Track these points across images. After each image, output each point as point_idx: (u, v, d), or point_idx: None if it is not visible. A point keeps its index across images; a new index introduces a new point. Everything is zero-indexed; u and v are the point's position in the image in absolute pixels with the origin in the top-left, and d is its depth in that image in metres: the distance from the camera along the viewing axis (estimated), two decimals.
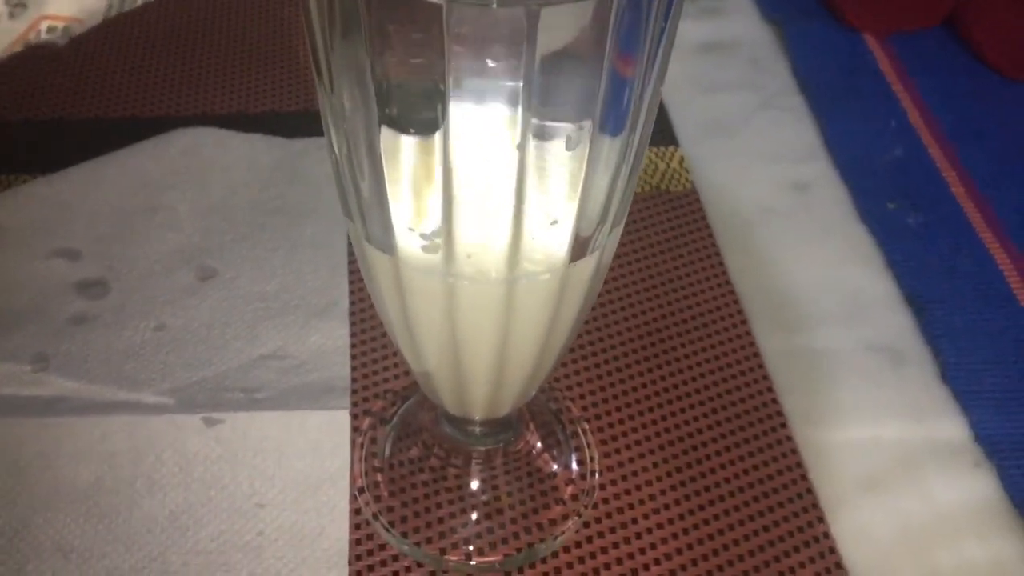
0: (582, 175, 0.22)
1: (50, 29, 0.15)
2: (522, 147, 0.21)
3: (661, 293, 0.41)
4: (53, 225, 0.41)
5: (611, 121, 0.22)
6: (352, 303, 0.39)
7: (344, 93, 0.22)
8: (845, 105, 0.50)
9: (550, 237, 0.23)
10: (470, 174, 0.22)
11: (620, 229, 0.26)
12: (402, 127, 0.22)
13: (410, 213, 0.23)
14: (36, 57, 0.49)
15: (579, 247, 0.24)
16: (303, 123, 0.47)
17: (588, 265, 0.25)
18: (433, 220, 0.23)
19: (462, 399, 0.29)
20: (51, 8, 0.14)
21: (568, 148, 0.22)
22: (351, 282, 0.40)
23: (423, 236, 0.23)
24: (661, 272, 0.42)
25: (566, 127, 0.21)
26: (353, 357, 0.37)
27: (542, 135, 0.21)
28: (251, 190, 0.44)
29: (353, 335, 0.38)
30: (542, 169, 0.22)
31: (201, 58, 0.50)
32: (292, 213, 0.43)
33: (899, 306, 0.41)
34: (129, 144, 0.44)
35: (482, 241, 0.23)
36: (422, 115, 0.21)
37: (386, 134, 0.22)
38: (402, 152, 0.22)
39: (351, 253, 0.41)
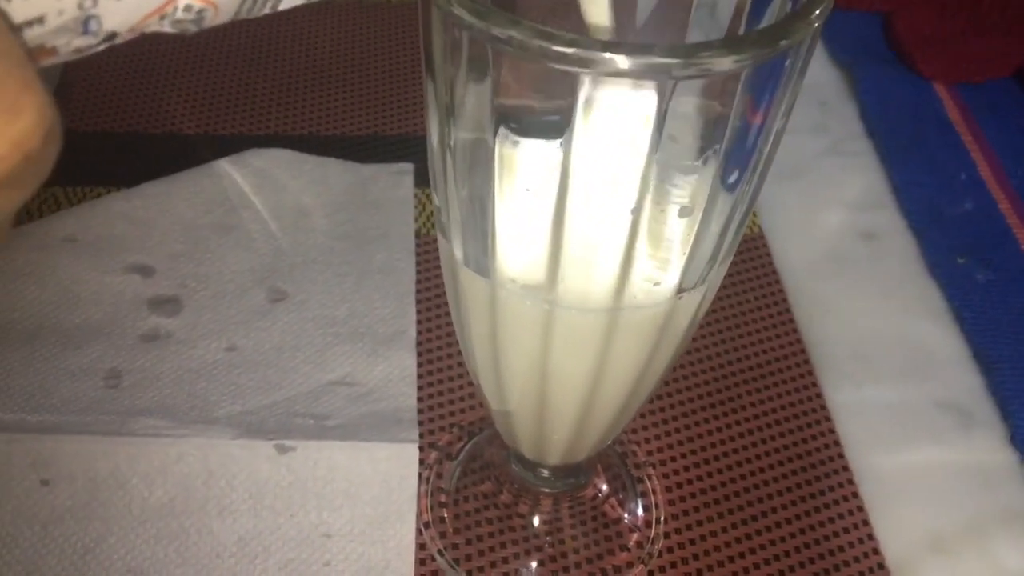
0: (693, 233, 0.22)
1: (187, 8, 0.15)
2: (636, 211, 0.21)
3: (729, 339, 0.41)
4: (128, 240, 0.41)
5: (732, 174, 0.22)
6: (419, 332, 0.39)
7: (463, 108, 0.21)
8: (913, 153, 0.50)
9: (661, 263, 0.23)
10: (581, 228, 0.22)
11: (728, 263, 0.25)
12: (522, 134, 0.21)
13: (516, 223, 0.23)
14: (127, 62, 0.50)
15: (689, 277, 0.23)
16: (373, 147, 0.48)
17: (693, 299, 0.24)
18: (540, 238, 0.22)
19: (540, 444, 0.29)
20: None
21: (681, 216, 0.22)
22: (419, 311, 0.40)
23: (525, 260, 0.23)
24: (729, 317, 0.41)
25: (680, 194, 0.21)
26: (420, 388, 0.38)
27: (659, 200, 0.21)
28: (322, 213, 0.44)
29: (420, 365, 0.38)
30: (655, 232, 0.22)
31: (275, 78, 0.51)
32: (361, 238, 0.43)
33: (968, 364, 0.41)
34: (203, 160, 0.45)
35: (589, 267, 0.23)
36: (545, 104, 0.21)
37: (501, 149, 0.21)
38: (517, 150, 0.22)
39: (420, 281, 0.41)
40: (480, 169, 0.22)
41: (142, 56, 0.51)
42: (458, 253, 0.24)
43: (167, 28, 0.17)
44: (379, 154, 0.47)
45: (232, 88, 0.50)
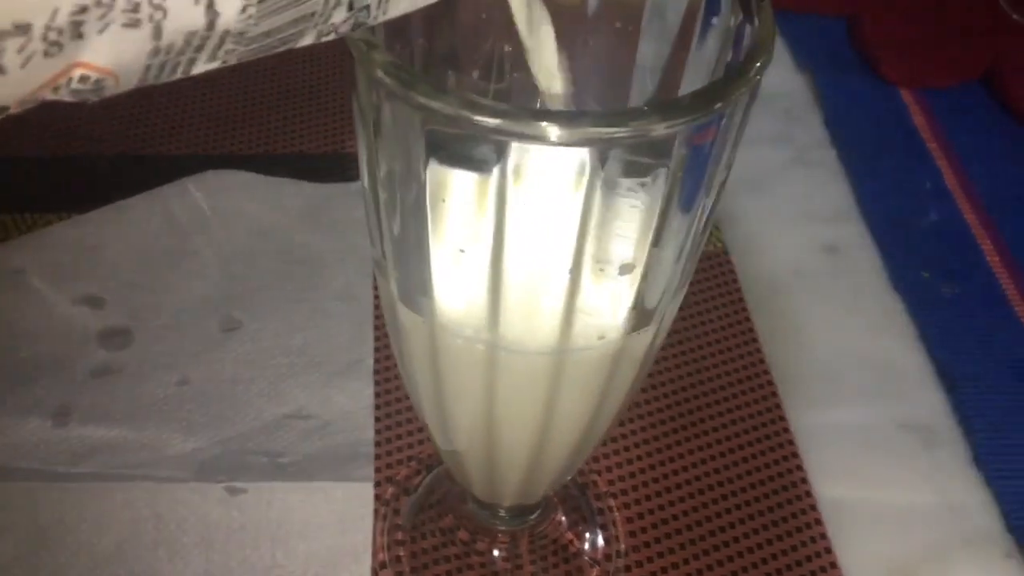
0: (645, 255, 0.21)
1: (82, 79, 0.14)
2: (574, 271, 0.20)
3: (691, 360, 0.40)
4: (78, 270, 0.40)
5: (685, 196, 0.21)
6: (377, 361, 0.39)
7: (390, 143, 0.20)
8: (878, 163, 0.50)
9: (606, 308, 0.22)
10: (518, 280, 0.21)
11: (682, 295, 0.24)
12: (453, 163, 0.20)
13: (453, 267, 0.22)
14: None
15: (638, 318, 0.22)
16: (330, 166, 0.47)
17: (646, 336, 0.23)
18: (478, 282, 0.21)
19: (493, 486, 0.29)
20: (86, 54, 0.13)
21: (621, 273, 0.21)
22: (376, 339, 0.39)
23: (464, 301, 0.22)
24: (691, 338, 0.41)
25: (620, 252, 0.21)
26: (377, 420, 0.37)
27: (600, 258, 0.21)
28: (277, 237, 0.43)
29: (377, 395, 0.38)
30: (598, 283, 0.21)
31: (228, 97, 0.50)
32: (318, 262, 0.42)
33: (932, 382, 0.40)
34: (155, 182, 0.44)
35: (530, 312, 0.22)
36: (474, 157, 0.20)
37: (433, 173, 0.20)
38: (449, 202, 0.21)
39: (377, 308, 0.40)
40: (413, 208, 0.21)
41: None
42: (395, 291, 0.23)
43: (65, 97, 0.16)
44: (337, 173, 0.46)
45: (185, 107, 0.49)
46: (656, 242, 0.21)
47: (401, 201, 0.20)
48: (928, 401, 0.40)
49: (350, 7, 0.17)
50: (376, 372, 0.38)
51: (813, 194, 0.48)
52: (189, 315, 0.40)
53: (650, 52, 0.24)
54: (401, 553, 0.33)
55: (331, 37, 0.17)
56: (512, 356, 0.22)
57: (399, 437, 0.37)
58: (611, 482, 0.36)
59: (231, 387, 0.37)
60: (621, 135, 0.18)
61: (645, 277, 0.21)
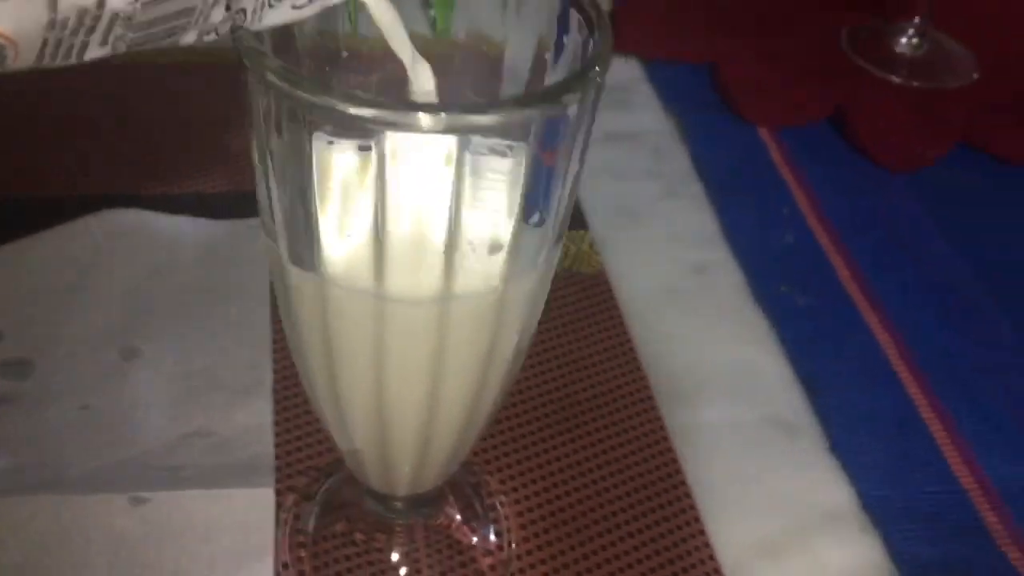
0: (503, 265, 0.24)
1: None
2: (448, 249, 0.23)
3: (574, 370, 0.43)
4: None
5: (534, 214, 0.24)
6: (276, 380, 0.40)
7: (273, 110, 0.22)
8: (740, 194, 0.54)
9: (488, 258, 0.24)
10: (400, 239, 0.23)
11: (559, 249, 0.26)
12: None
13: (338, 225, 0.24)
14: None
15: (517, 270, 0.24)
16: (228, 204, 0.49)
17: (526, 284, 0.25)
18: (361, 232, 0.23)
19: (387, 472, 0.31)
20: None
21: (491, 253, 0.24)
22: (275, 360, 0.41)
23: (350, 258, 0.24)
24: (573, 350, 0.44)
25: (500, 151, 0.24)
26: (277, 435, 0.39)
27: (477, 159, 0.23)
28: (176, 271, 0.45)
29: (277, 412, 0.39)
30: (477, 194, 0.23)
31: (127, 138, 0.51)
32: (217, 293, 0.44)
33: (792, 384, 0.44)
34: (53, 224, 0.45)
35: (414, 258, 0.24)
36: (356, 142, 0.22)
37: (318, 143, 0.22)
38: (333, 162, 0.23)
39: (276, 331, 0.42)
40: (298, 169, 0.23)
41: None
42: (284, 252, 0.25)
43: None
44: (235, 210, 0.48)
45: (85, 148, 0.50)
46: (518, 230, 0.24)
47: (291, 177, 0.23)
48: (789, 399, 0.43)
49: (227, 7, 0.19)
50: (276, 392, 0.40)
51: (682, 222, 0.52)
52: (90, 345, 0.41)
53: (515, 79, 0.27)
54: (303, 554, 0.35)
55: (212, 37, 0.20)
56: (398, 307, 0.24)
57: (299, 450, 0.38)
58: (503, 481, 0.38)
59: (132, 411, 0.39)
60: (482, 122, 0.21)
61: (510, 256, 0.24)
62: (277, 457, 0.38)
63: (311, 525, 0.36)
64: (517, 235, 0.24)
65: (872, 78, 0.63)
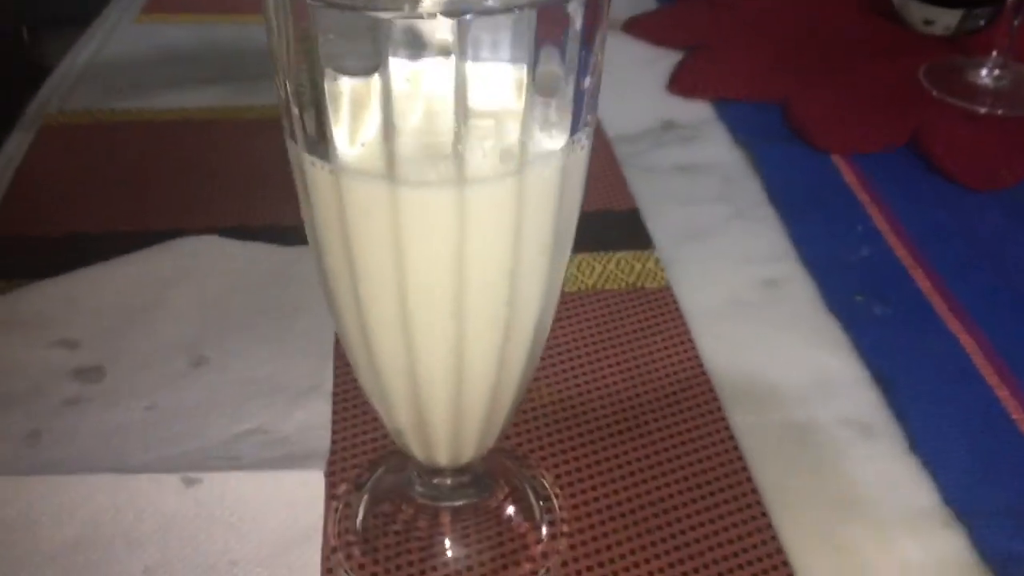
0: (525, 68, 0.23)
1: None
2: (458, 149, 0.23)
3: (635, 375, 0.42)
4: (57, 318, 0.43)
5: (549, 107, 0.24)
6: (336, 383, 0.41)
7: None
8: (813, 214, 0.53)
9: (500, 139, 0.23)
10: (412, 126, 0.23)
11: (582, 141, 0.25)
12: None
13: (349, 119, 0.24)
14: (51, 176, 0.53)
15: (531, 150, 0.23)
16: (299, 234, 0.50)
17: (544, 171, 0.24)
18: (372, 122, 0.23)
19: (424, 429, 0.30)
20: None
21: (503, 160, 0.24)
22: (336, 366, 0.42)
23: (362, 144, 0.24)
24: (636, 357, 0.43)
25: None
26: (334, 432, 0.39)
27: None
28: (247, 290, 0.46)
29: (335, 412, 0.40)
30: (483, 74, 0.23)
31: (205, 176, 0.54)
32: (284, 310, 0.45)
33: (869, 386, 0.42)
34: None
35: (425, 143, 0.23)
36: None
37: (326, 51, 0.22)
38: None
39: (338, 344, 0.43)
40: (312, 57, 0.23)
41: (79, 162, 0.55)
42: (303, 144, 0.25)
43: None
44: (305, 239, 0.49)
45: (165, 187, 0.53)
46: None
47: (311, 85, 0.24)
48: (865, 400, 0.41)
49: None
50: (335, 393, 0.40)
51: (752, 241, 0.51)
52: (160, 355, 0.42)
53: None
54: (351, 538, 0.34)
55: None
56: (414, 192, 0.23)
57: (354, 446, 0.38)
58: (558, 476, 0.37)
59: (196, 409, 0.39)
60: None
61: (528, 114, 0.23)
62: (332, 452, 0.38)
63: (360, 511, 0.35)
64: (528, 108, 0.23)
65: (951, 108, 0.62)
